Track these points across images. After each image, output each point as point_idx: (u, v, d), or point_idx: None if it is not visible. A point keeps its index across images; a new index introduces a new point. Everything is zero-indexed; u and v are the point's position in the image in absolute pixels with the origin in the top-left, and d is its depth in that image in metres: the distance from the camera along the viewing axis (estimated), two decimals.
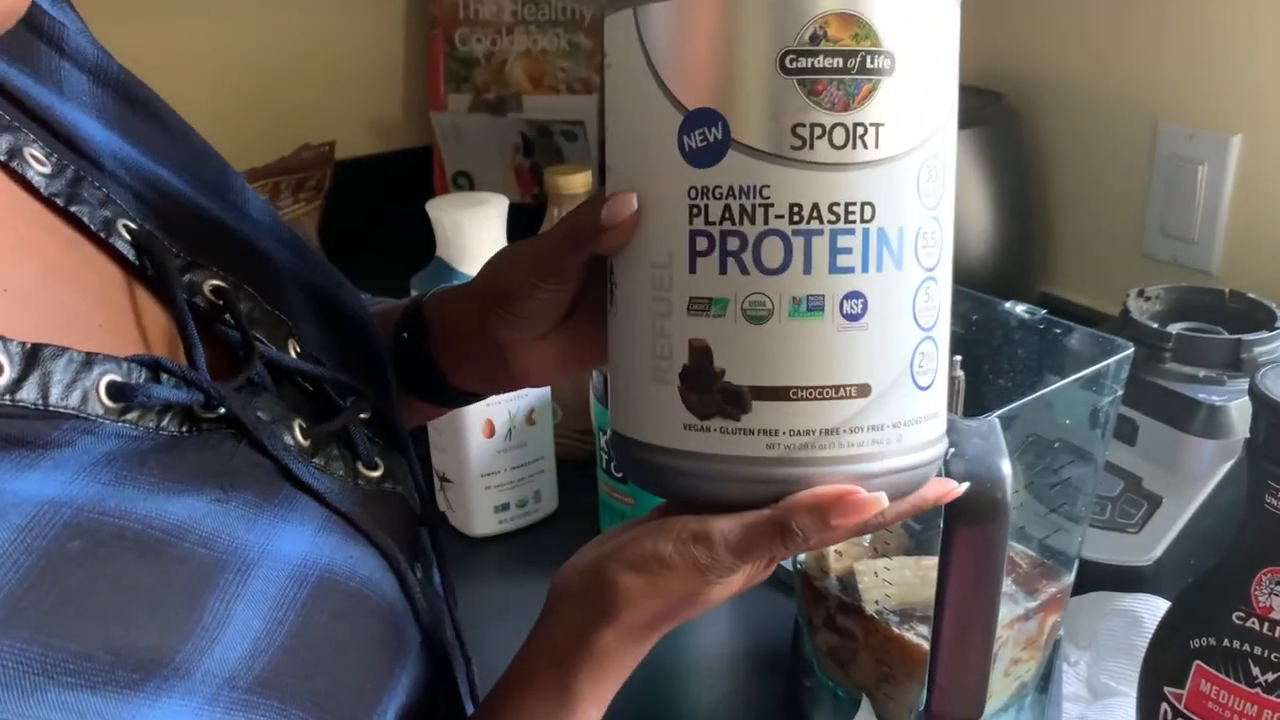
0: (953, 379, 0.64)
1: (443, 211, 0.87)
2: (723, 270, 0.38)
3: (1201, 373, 0.74)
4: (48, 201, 0.39)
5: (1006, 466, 0.49)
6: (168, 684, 0.32)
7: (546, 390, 0.89)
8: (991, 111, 0.97)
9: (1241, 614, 0.51)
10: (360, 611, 0.39)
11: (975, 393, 0.65)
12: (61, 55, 0.45)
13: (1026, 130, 1.01)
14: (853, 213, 0.37)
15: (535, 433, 0.89)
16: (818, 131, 0.37)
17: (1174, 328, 0.76)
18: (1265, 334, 0.74)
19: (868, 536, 0.65)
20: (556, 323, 0.49)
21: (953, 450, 0.49)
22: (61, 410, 0.34)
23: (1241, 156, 0.89)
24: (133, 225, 0.41)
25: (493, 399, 0.85)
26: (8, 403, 0.33)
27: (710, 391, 0.39)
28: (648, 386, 0.41)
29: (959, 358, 0.64)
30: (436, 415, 0.63)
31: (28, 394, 0.33)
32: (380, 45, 1.44)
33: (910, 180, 0.38)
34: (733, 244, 0.38)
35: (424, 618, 0.44)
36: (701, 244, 0.39)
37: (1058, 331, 0.64)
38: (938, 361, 0.41)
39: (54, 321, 0.36)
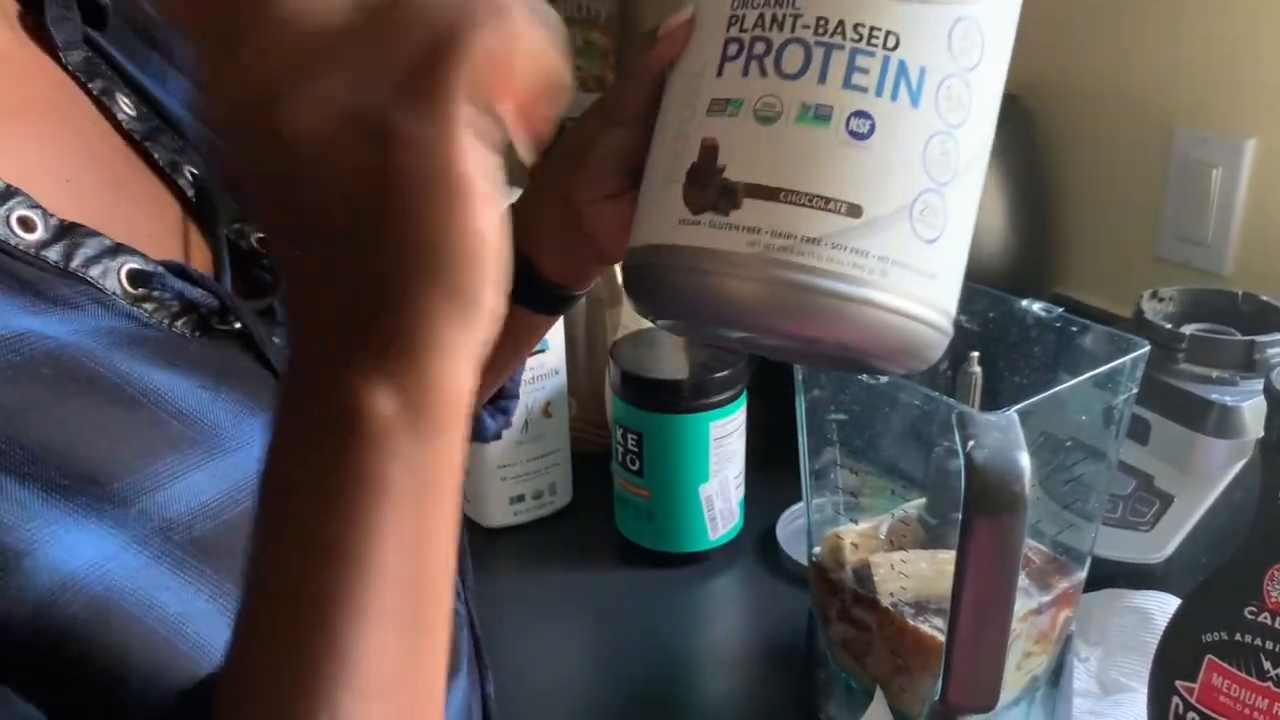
0: (970, 374, 0.65)
1: None
2: (745, 73, 0.40)
3: (1214, 373, 0.74)
4: (128, 137, 0.45)
5: (1025, 459, 0.50)
6: (99, 505, 0.34)
7: (563, 383, 0.90)
8: (1007, 113, 0.97)
9: (1254, 609, 0.52)
10: None
11: (991, 389, 0.66)
12: (170, 61, 0.51)
13: (1041, 132, 1.02)
14: (876, 36, 0.39)
15: (551, 425, 0.90)
16: None
17: (1187, 329, 0.76)
18: (1278, 335, 0.75)
19: (884, 530, 0.66)
20: (626, 178, 0.48)
21: (973, 442, 0.50)
22: (79, 275, 0.38)
23: (1255, 161, 0.90)
24: (196, 172, 0.46)
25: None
26: (31, 254, 0.37)
27: (708, 186, 0.39)
28: (660, 190, 0.41)
29: (976, 354, 0.65)
30: (538, 333, 0.61)
31: (52, 254, 0.37)
32: None
33: (941, 29, 0.39)
34: (758, 48, 0.40)
35: None
36: (732, 49, 0.40)
37: (1074, 329, 0.65)
38: (947, 222, 0.40)
39: (105, 221, 0.40)
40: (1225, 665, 0.53)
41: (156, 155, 0.46)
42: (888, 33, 0.39)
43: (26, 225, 0.37)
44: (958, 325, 0.69)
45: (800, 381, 0.65)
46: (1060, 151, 1.04)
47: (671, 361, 0.84)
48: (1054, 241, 1.04)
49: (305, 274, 0.29)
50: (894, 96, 0.39)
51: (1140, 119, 0.97)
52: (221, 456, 0.38)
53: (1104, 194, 1.03)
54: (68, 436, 0.34)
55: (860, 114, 0.39)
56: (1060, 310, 0.66)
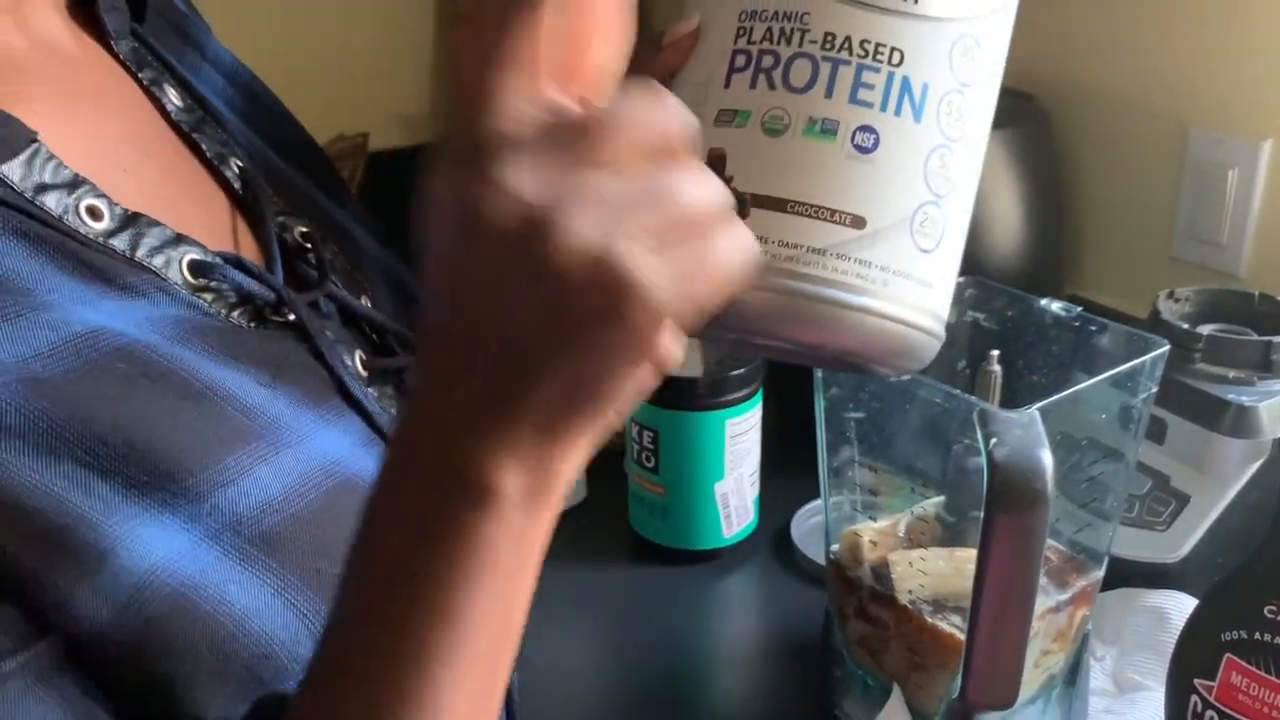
0: (990, 373, 0.65)
1: None
2: (753, 85, 0.41)
3: (1231, 373, 0.74)
4: (175, 128, 0.46)
5: (1047, 457, 0.50)
6: (174, 501, 0.35)
7: None
8: (1023, 113, 0.98)
9: (1274, 608, 0.52)
10: None
11: (1009, 388, 0.66)
12: (203, 56, 0.52)
13: (1058, 132, 1.02)
14: (881, 53, 0.40)
15: None
16: None
17: (1204, 329, 0.76)
18: None
19: (902, 528, 0.66)
20: None
21: (995, 440, 0.50)
22: (144, 264, 0.39)
23: (1271, 162, 0.90)
24: (242, 164, 0.47)
25: None
26: (99, 241, 0.38)
27: None
28: None
29: (996, 352, 0.65)
30: None
31: (119, 243, 0.38)
32: (413, 37, 1.45)
33: (944, 46, 0.41)
34: (766, 62, 0.41)
35: None
36: (740, 61, 0.41)
37: (1092, 329, 0.65)
38: (944, 232, 0.42)
39: (161, 210, 0.41)
40: (1244, 664, 0.53)
41: (204, 146, 0.47)
42: (893, 49, 0.40)
43: (94, 214, 0.38)
44: (977, 324, 0.70)
45: (819, 380, 0.65)
46: (1076, 152, 1.04)
47: (688, 359, 0.84)
48: (1069, 242, 1.04)
49: (467, 350, 0.31)
50: (898, 112, 0.40)
51: (1156, 120, 0.97)
52: (284, 450, 0.39)
53: (1119, 194, 1.03)
54: (144, 432, 0.35)
55: (865, 128, 0.40)
56: (1079, 309, 0.66)
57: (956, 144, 0.42)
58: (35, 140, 0.37)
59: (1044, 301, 0.67)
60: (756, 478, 0.87)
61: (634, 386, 0.31)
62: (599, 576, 0.86)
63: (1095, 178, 1.04)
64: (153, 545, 0.34)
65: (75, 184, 0.38)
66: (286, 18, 1.33)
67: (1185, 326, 0.76)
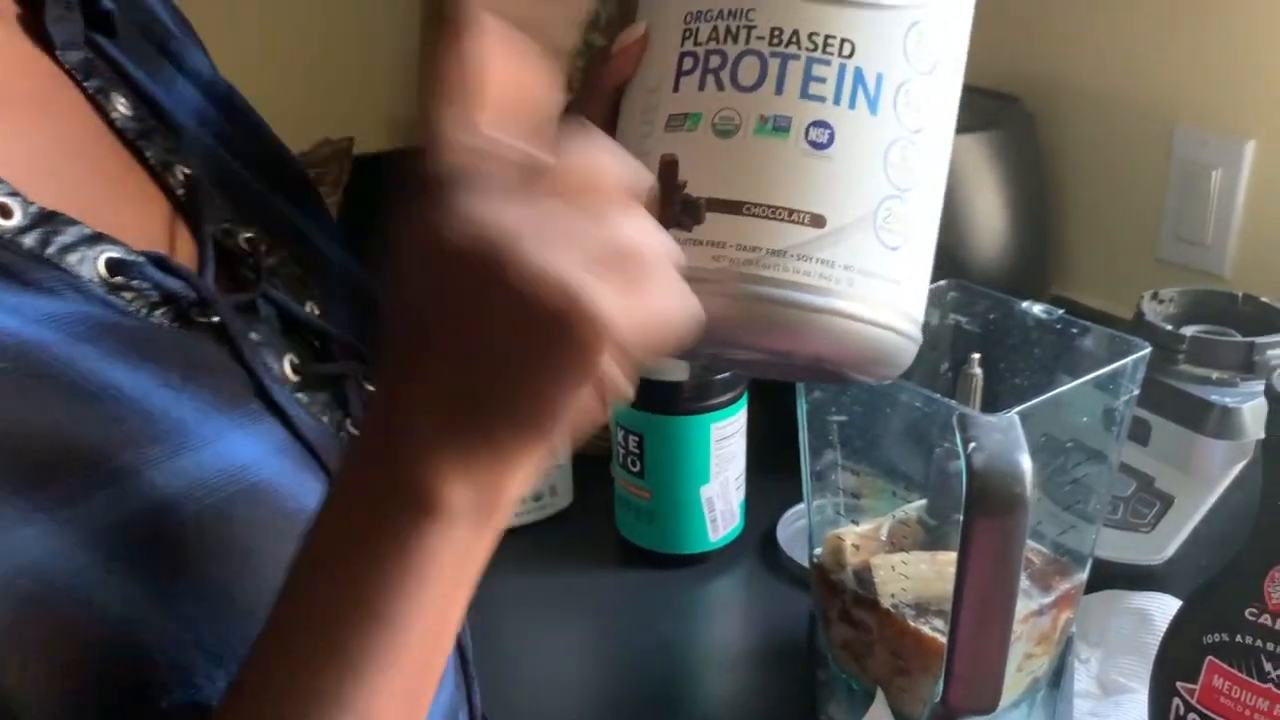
0: (971, 376, 0.65)
1: None
2: (701, 87, 0.40)
3: (1215, 374, 0.74)
4: (120, 136, 0.46)
5: (1026, 461, 0.50)
6: (46, 504, 0.34)
7: None
8: (1007, 114, 0.98)
9: (1255, 610, 0.52)
10: (289, 533, 0.38)
11: (991, 391, 0.66)
12: (180, 70, 0.52)
13: (1042, 133, 1.02)
14: (831, 45, 0.39)
15: None
16: None
17: (1187, 330, 0.76)
18: (1278, 337, 0.75)
19: (885, 530, 0.66)
20: None
21: (974, 444, 0.50)
22: (53, 261, 0.38)
23: (1255, 162, 0.90)
24: (189, 171, 0.47)
25: None
26: (6, 239, 0.37)
27: (671, 203, 0.39)
28: None
29: (977, 355, 0.65)
30: None
31: (28, 240, 0.38)
32: (399, 42, 1.45)
33: (896, 34, 0.39)
34: (714, 62, 0.39)
35: None
36: (687, 64, 0.40)
37: (1074, 331, 0.65)
38: (910, 228, 0.40)
39: (87, 212, 0.40)
40: (1226, 667, 0.53)
41: (149, 153, 0.46)
42: (843, 40, 0.39)
43: (4, 212, 0.38)
44: (959, 327, 0.70)
45: (800, 383, 0.65)
46: (1061, 153, 1.04)
47: (673, 363, 0.84)
48: (1054, 243, 1.04)
49: (423, 366, 0.32)
50: (852, 105, 0.39)
51: (1140, 120, 0.97)
52: (183, 454, 0.38)
53: (1104, 195, 1.03)
54: (18, 432, 0.34)
55: (819, 124, 0.39)
56: (1061, 312, 0.66)
57: (918, 135, 0.40)
58: None
59: (1026, 304, 0.67)
60: (742, 481, 0.87)
61: (580, 409, 0.33)
62: (586, 580, 0.86)
63: (1080, 179, 1.04)
64: (17, 548, 0.33)
65: None
66: (272, 23, 1.33)
67: (1169, 328, 0.76)
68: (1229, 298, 0.80)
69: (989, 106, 0.98)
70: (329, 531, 0.34)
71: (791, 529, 0.87)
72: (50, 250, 0.38)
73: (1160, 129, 0.95)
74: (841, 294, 0.39)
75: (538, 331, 0.31)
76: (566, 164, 0.32)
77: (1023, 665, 0.63)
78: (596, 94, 0.45)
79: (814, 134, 0.39)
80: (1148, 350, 0.60)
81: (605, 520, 0.89)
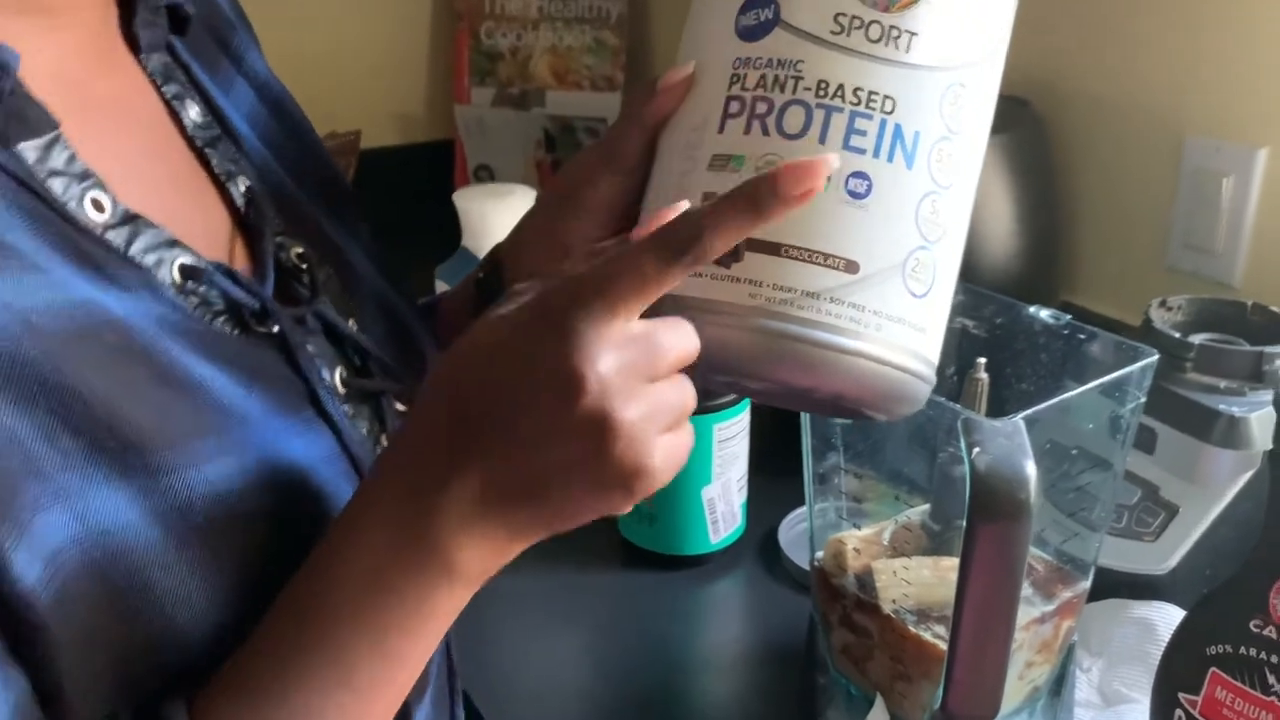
0: (976, 380, 0.64)
1: (470, 201, 0.88)
2: (747, 131, 0.41)
3: (1222, 383, 0.74)
4: (190, 142, 0.48)
5: (1031, 467, 0.49)
6: (131, 472, 0.36)
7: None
8: (1018, 118, 0.97)
9: (1259, 622, 0.51)
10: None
11: (997, 396, 0.65)
12: (239, 70, 0.54)
13: (1053, 138, 1.01)
14: (874, 101, 0.41)
15: None
16: (856, 22, 0.41)
17: (1196, 338, 0.76)
18: None
19: (887, 535, 0.66)
20: (616, 221, 0.51)
21: (978, 449, 0.50)
22: (136, 261, 0.40)
23: (1267, 170, 0.89)
24: (249, 182, 0.49)
25: None
26: (98, 234, 0.39)
27: None
28: None
29: (983, 360, 0.64)
30: None
31: (114, 237, 0.40)
32: (406, 37, 1.45)
33: (934, 94, 0.41)
34: (761, 108, 0.41)
35: None
36: (734, 108, 0.42)
37: (1081, 337, 0.64)
38: (935, 277, 0.42)
39: (162, 216, 0.42)
40: (1229, 678, 0.53)
41: (214, 163, 0.48)
42: (885, 97, 0.41)
43: (97, 206, 0.40)
44: (966, 331, 0.70)
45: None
46: (1071, 157, 1.03)
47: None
48: (1064, 248, 1.04)
49: (481, 457, 0.37)
50: (890, 158, 0.41)
51: (1151, 127, 0.97)
52: (249, 449, 0.40)
53: (1114, 201, 1.02)
54: (120, 402, 0.36)
55: (859, 174, 0.40)
56: (1068, 318, 0.65)
57: (947, 190, 0.42)
58: (57, 128, 0.39)
59: (1033, 309, 0.66)
60: (744, 483, 0.86)
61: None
62: (587, 581, 0.85)
63: (1091, 184, 1.03)
64: (98, 509, 0.35)
65: (84, 176, 0.40)
66: (279, 16, 1.32)
67: (1177, 335, 0.76)
68: (1238, 306, 0.80)
69: (1000, 110, 0.96)
70: (354, 577, 0.38)
71: (793, 532, 0.87)
72: (134, 249, 0.40)
73: (1171, 136, 0.95)
74: (869, 337, 0.40)
75: (606, 476, 0.36)
76: (659, 332, 0.38)
77: (1024, 673, 0.62)
78: (635, 129, 0.47)
79: (853, 184, 0.41)
80: (1155, 357, 0.60)
81: (606, 521, 0.89)
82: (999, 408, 0.65)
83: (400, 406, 0.50)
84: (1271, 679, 0.52)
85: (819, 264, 0.40)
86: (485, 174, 1.45)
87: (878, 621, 0.62)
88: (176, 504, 0.37)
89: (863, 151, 0.41)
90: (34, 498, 0.33)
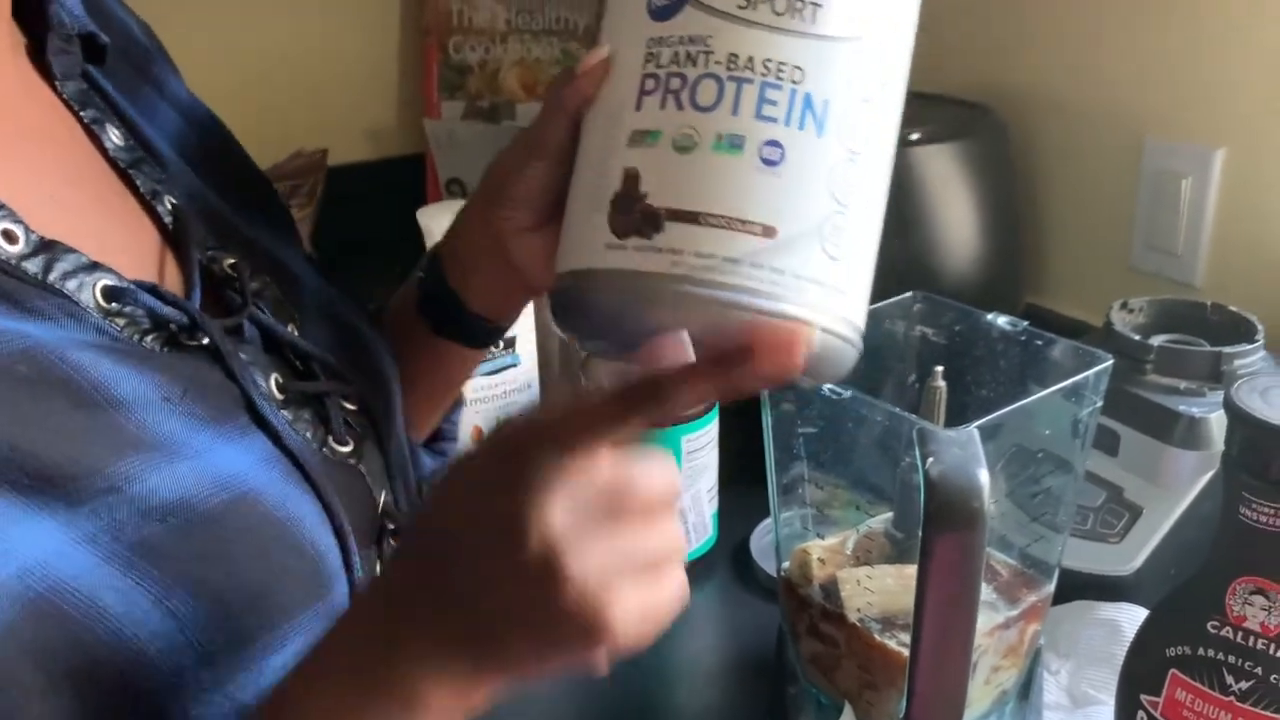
0: (934, 389, 0.65)
1: (433, 219, 0.88)
2: (662, 106, 0.43)
3: (1183, 384, 0.75)
4: (114, 165, 0.48)
5: (984, 476, 0.49)
6: (53, 504, 0.36)
7: (534, 397, 0.90)
8: (980, 124, 0.98)
9: (1216, 623, 0.52)
10: (277, 540, 0.42)
11: (958, 403, 0.66)
12: (161, 95, 0.54)
13: (1015, 143, 1.02)
14: (783, 71, 0.42)
15: None
16: None
17: (1156, 340, 0.77)
18: (1246, 346, 0.75)
19: (850, 544, 0.66)
20: (547, 210, 0.51)
21: (932, 459, 0.50)
22: (54, 288, 0.39)
23: (1225, 171, 0.90)
24: (175, 200, 0.49)
25: (480, 402, 0.86)
26: (12, 265, 0.38)
27: (632, 212, 0.42)
28: (585, 218, 0.44)
29: (940, 368, 0.65)
30: (468, 368, 0.65)
31: (30, 266, 0.39)
32: (374, 52, 1.44)
33: (841, 63, 0.43)
34: (674, 84, 0.43)
35: (358, 589, 0.46)
36: (649, 85, 0.43)
37: (1039, 343, 0.65)
38: (853, 241, 0.43)
39: (84, 240, 0.42)
40: (1188, 679, 0.53)
41: (139, 183, 0.48)
42: (794, 67, 0.42)
43: (9, 238, 0.39)
44: (925, 339, 0.70)
45: (766, 396, 0.65)
46: (1034, 162, 1.04)
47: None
48: (1028, 251, 1.05)
49: (445, 605, 0.37)
50: (801, 126, 0.42)
51: (1112, 129, 0.97)
52: (178, 462, 0.40)
53: (1077, 204, 1.03)
54: (32, 435, 0.36)
55: (772, 143, 0.42)
56: (1026, 324, 0.66)
57: (859, 156, 0.43)
58: None
59: (990, 316, 0.67)
60: (714, 493, 0.86)
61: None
62: None
63: (1053, 188, 1.04)
64: (25, 546, 0.35)
65: None
66: (245, 34, 1.32)
67: (1137, 338, 0.76)
68: (1198, 307, 0.80)
69: (961, 116, 0.98)
70: (316, 691, 0.38)
71: (764, 541, 0.87)
72: (52, 276, 0.40)
73: (1132, 138, 0.96)
74: (791, 300, 0.41)
75: (557, 626, 0.35)
76: (624, 473, 0.36)
77: (990, 678, 0.63)
78: (557, 115, 0.47)
79: (766, 152, 0.42)
80: (1110, 362, 0.60)
81: None
82: (961, 413, 0.66)
83: (349, 406, 0.50)
84: (1230, 679, 0.52)
85: (737, 230, 0.41)
86: (457, 187, 1.45)
87: (844, 631, 0.63)
88: (105, 527, 0.37)
89: (774, 120, 0.42)
90: None
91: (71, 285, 0.40)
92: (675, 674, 0.79)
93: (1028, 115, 1.03)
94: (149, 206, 0.48)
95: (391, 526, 0.50)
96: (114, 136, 0.49)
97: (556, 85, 0.48)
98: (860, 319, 0.44)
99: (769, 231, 0.41)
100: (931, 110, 1.00)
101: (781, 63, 0.42)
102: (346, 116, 1.41)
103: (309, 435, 0.47)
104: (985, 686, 0.63)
